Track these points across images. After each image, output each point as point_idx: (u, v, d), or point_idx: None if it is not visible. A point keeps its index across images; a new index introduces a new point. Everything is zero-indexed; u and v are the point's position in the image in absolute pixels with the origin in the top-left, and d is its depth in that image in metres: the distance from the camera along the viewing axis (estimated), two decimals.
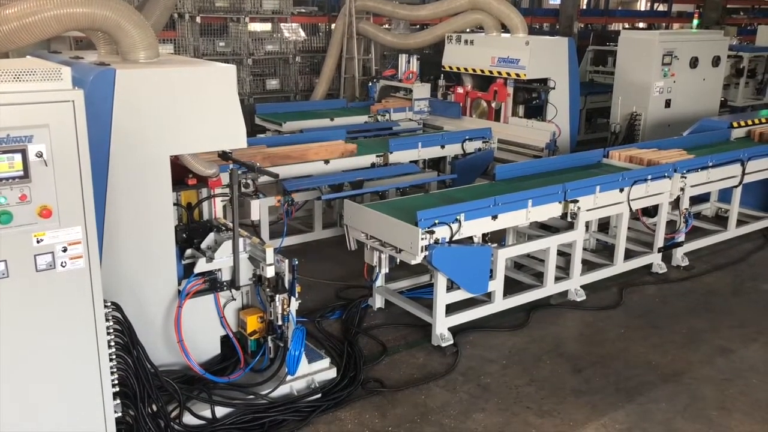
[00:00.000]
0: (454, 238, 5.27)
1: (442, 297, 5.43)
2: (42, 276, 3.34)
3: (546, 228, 6.88)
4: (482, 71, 10.10)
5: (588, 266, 6.67)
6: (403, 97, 10.63)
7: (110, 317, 3.73)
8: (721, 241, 7.80)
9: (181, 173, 4.69)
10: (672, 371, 5.22)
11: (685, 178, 6.89)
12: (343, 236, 5.83)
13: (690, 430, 4.53)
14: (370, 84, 11.38)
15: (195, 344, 4.55)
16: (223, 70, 4.38)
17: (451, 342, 5.48)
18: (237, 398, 4.52)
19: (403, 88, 10.76)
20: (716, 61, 10.94)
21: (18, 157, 3.17)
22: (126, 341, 3.92)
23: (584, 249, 6.63)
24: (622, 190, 6.42)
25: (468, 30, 11.42)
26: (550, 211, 6.00)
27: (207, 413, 4.37)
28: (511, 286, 6.17)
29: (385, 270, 5.59)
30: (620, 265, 6.76)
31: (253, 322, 4.67)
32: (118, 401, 3.80)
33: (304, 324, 4.85)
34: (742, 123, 8.73)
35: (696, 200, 8.08)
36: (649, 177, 6.58)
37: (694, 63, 10.61)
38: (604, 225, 7.53)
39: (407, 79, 10.65)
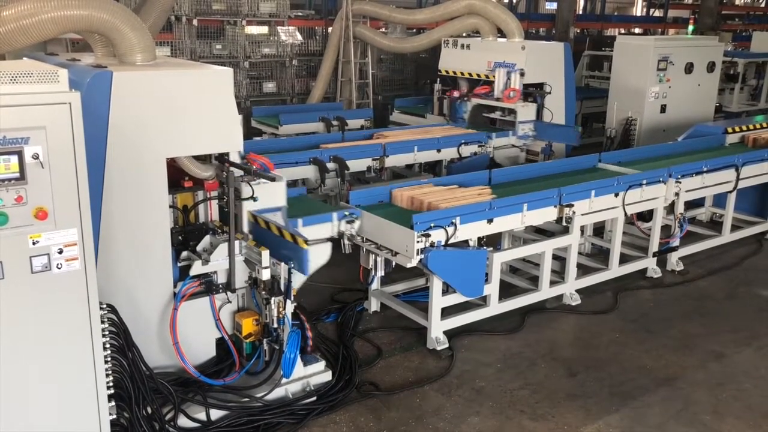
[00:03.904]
0: (449, 242, 5.28)
1: (438, 300, 5.44)
2: (37, 278, 3.34)
3: (541, 232, 6.89)
4: (478, 75, 10.12)
5: (583, 270, 6.69)
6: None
7: (105, 319, 3.72)
8: (715, 246, 7.83)
9: (177, 175, 4.69)
10: (666, 375, 5.24)
11: (680, 183, 6.92)
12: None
13: None
14: (459, 102, 9.70)
15: (190, 347, 4.55)
16: (219, 73, 4.40)
17: (447, 345, 5.49)
18: (232, 401, 4.52)
19: (502, 108, 9.21)
20: (711, 67, 10.99)
21: (14, 158, 3.18)
22: (121, 343, 3.92)
23: (579, 253, 6.65)
24: (617, 195, 6.44)
25: (464, 34, 11.45)
26: (546, 215, 6.02)
27: (202, 416, 4.37)
28: (507, 290, 6.18)
29: (380, 273, 5.60)
30: (615, 270, 6.78)
31: (248, 325, 4.67)
32: (113, 403, 3.80)
33: (300, 327, 4.86)
34: (737, 129, 8.77)
35: (691, 205, 8.11)
36: (644, 182, 6.61)
37: (689, 68, 10.66)
38: (599, 229, 7.55)
39: (508, 97, 8.99)
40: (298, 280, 4.53)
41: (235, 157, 4.60)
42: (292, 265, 4.38)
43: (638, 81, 10.31)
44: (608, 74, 11.85)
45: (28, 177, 3.23)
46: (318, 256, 4.38)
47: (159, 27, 7.53)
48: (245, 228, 4.68)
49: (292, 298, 4.50)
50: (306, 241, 4.26)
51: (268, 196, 4.68)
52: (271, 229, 4.52)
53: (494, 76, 9.66)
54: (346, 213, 5.27)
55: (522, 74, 9.13)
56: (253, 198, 4.63)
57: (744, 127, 8.85)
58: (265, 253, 4.41)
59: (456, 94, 10.06)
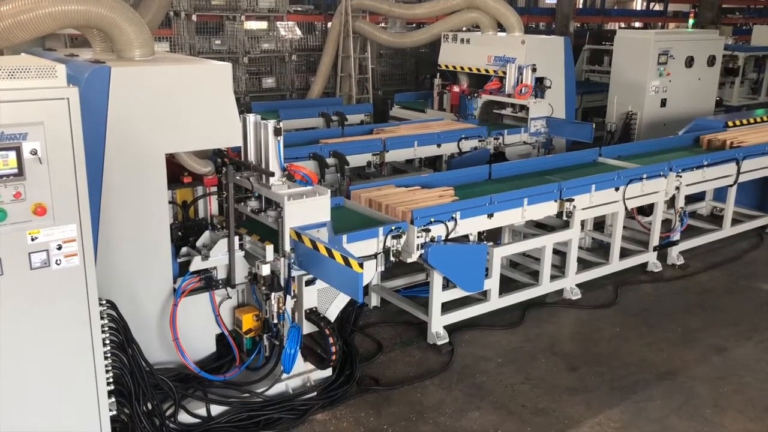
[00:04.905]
0: (449, 237, 5.27)
1: (438, 295, 5.43)
2: (36, 274, 3.33)
3: (541, 226, 6.88)
4: (478, 70, 10.10)
5: (583, 265, 6.69)
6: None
7: (105, 315, 3.72)
8: (716, 240, 7.82)
9: (176, 171, 4.68)
10: (667, 369, 5.23)
11: (681, 177, 6.91)
12: None
13: (684, 428, 4.54)
14: (469, 99, 9.60)
15: (190, 342, 4.55)
16: (218, 69, 4.38)
17: (447, 340, 5.49)
18: (232, 396, 4.52)
19: (512, 104, 8.94)
20: (711, 61, 10.97)
21: (12, 154, 3.17)
22: (121, 339, 3.91)
23: (580, 248, 6.64)
24: (617, 189, 6.43)
25: (464, 29, 11.42)
26: (546, 209, 6.01)
27: (202, 411, 4.37)
28: (507, 285, 6.17)
29: (380, 268, 5.59)
30: (616, 264, 6.78)
31: (248, 321, 4.67)
32: (113, 399, 3.79)
33: (324, 341, 4.79)
34: (737, 122, 8.75)
35: (691, 199, 8.10)
36: (645, 176, 6.59)
37: (689, 62, 10.64)
38: (599, 223, 7.54)
39: (521, 93, 8.72)
40: (339, 304, 4.47)
41: (275, 168, 4.51)
42: (342, 290, 4.03)
43: (638, 75, 10.30)
44: (608, 68, 11.83)
45: (26, 173, 3.21)
46: (366, 277, 4.04)
47: (158, 22, 7.53)
48: (287, 246, 4.38)
49: (292, 293, 4.50)
50: (361, 265, 3.92)
51: (311, 211, 4.44)
52: (318, 249, 4.18)
53: (494, 71, 9.63)
54: (392, 228, 4.95)
55: (534, 69, 8.84)
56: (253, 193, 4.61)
57: (744, 121, 8.84)
58: (269, 248, 4.41)
59: (456, 89, 10.04)
